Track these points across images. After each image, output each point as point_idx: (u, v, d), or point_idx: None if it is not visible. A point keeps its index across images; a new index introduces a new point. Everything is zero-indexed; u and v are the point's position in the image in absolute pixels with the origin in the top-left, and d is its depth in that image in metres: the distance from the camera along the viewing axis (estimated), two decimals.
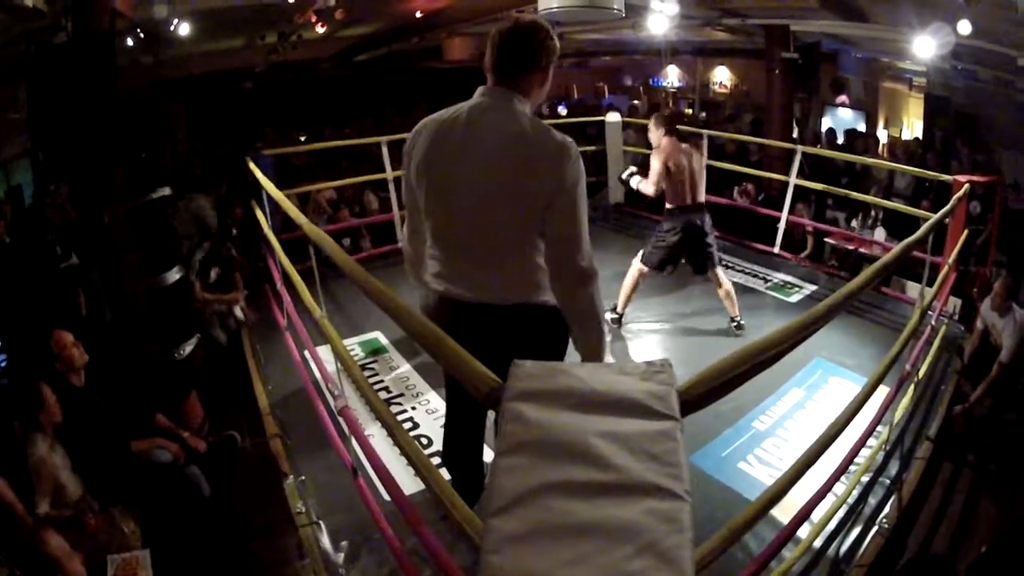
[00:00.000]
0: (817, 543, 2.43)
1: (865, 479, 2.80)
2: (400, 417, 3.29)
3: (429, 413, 3.36)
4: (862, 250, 6.19)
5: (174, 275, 3.73)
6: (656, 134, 4.10)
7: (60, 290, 4.22)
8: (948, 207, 3.41)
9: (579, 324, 1.82)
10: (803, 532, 2.29)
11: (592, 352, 1.85)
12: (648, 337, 4.29)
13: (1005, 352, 3.85)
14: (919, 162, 7.14)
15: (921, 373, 3.30)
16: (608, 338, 1.88)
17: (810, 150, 5.59)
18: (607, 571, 0.67)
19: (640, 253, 4.21)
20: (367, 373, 3.72)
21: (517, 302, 1.84)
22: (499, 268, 1.81)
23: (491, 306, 1.84)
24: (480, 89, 1.79)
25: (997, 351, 3.91)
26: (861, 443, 2.49)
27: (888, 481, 2.89)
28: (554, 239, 1.72)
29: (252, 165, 4.33)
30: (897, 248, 2.28)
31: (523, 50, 1.74)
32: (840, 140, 8.14)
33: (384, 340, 4.12)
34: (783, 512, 2.22)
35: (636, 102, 12.14)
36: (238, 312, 4.39)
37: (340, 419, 2.56)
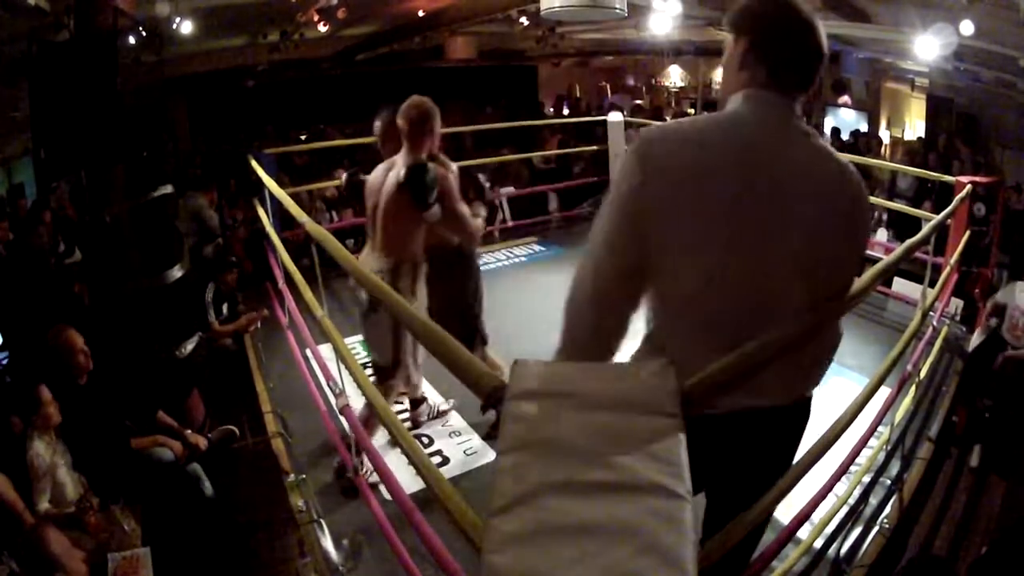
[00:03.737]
0: (818, 543, 2.43)
1: (866, 479, 2.80)
2: (401, 416, 3.29)
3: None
4: None
5: (176, 273, 3.72)
6: None
7: (62, 287, 4.23)
8: (950, 208, 3.40)
9: None
10: (804, 532, 2.29)
11: None
12: None
13: None
14: (921, 163, 7.13)
15: (922, 374, 3.30)
16: None
17: None
18: (608, 571, 0.67)
19: None
20: (368, 372, 3.72)
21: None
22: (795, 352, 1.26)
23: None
24: (750, 96, 1.16)
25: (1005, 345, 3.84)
26: (862, 443, 2.49)
27: (889, 481, 2.89)
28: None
29: (254, 163, 4.34)
30: (899, 249, 2.28)
31: (807, 41, 1.15)
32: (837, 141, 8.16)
33: None
34: (784, 512, 2.21)
35: (639, 101, 12.12)
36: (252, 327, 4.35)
37: (341, 417, 2.56)
